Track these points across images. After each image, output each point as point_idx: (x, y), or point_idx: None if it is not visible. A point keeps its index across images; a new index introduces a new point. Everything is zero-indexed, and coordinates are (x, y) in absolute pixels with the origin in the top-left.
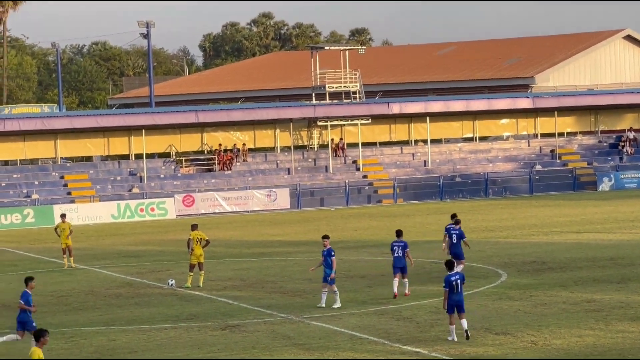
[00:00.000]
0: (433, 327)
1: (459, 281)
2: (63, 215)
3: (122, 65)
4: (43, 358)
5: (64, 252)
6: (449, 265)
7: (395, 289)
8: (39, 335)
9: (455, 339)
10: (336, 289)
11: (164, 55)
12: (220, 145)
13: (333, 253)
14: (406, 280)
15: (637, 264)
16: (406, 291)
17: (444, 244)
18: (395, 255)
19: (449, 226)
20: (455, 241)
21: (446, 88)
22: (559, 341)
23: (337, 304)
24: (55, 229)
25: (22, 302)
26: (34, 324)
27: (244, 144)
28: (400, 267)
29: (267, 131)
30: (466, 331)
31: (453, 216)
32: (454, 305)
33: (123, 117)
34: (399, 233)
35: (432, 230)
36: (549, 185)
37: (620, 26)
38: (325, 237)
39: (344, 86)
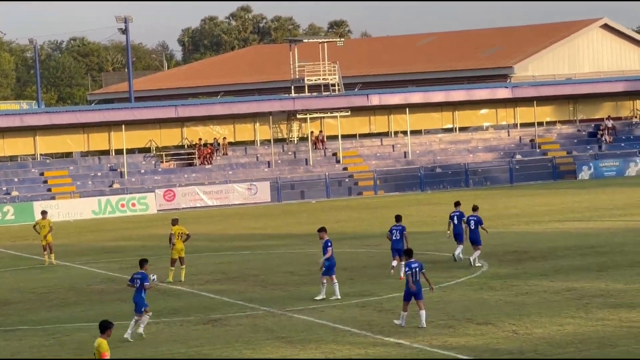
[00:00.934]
0: (414, 318)
1: (417, 269)
2: (44, 212)
3: (101, 61)
4: (108, 349)
5: (45, 249)
6: (408, 253)
7: (392, 270)
8: (105, 327)
9: (403, 324)
10: (324, 281)
11: (142, 50)
12: (200, 139)
13: (330, 244)
14: (403, 262)
15: (617, 251)
16: (401, 274)
17: (448, 232)
18: (394, 238)
19: (453, 214)
20: (473, 227)
21: (426, 79)
22: (540, 330)
23: (320, 296)
24: (34, 225)
25: (147, 283)
26: (143, 308)
27: (224, 138)
28: (397, 250)
29: (247, 125)
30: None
31: (457, 204)
32: (411, 293)
33: (102, 112)
34: (398, 218)
35: (414, 222)
36: (529, 175)
37: (597, 15)
38: (321, 229)
39: (323, 79)
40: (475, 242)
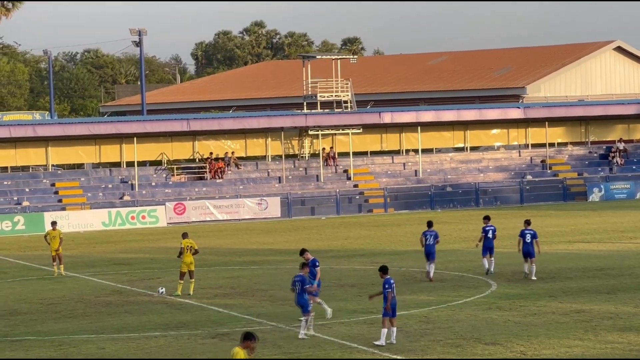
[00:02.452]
0: (423, 336)
1: (393, 286)
2: (54, 223)
3: (114, 73)
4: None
5: (54, 260)
6: (383, 270)
7: (430, 275)
8: (246, 338)
9: (384, 344)
10: (319, 299)
11: (156, 64)
12: (211, 153)
13: (317, 263)
14: (433, 265)
15: (627, 274)
16: (431, 275)
17: (478, 243)
18: (427, 242)
19: (488, 227)
20: (529, 241)
21: (437, 98)
22: (548, 351)
23: (328, 314)
24: (45, 236)
25: (307, 286)
26: (309, 308)
27: (232, 152)
28: (431, 253)
29: (259, 140)
30: (392, 342)
31: (488, 218)
32: (393, 309)
33: (115, 124)
34: (430, 224)
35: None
36: (540, 196)
37: (610, 38)
38: (304, 251)
39: (336, 95)
40: (531, 255)
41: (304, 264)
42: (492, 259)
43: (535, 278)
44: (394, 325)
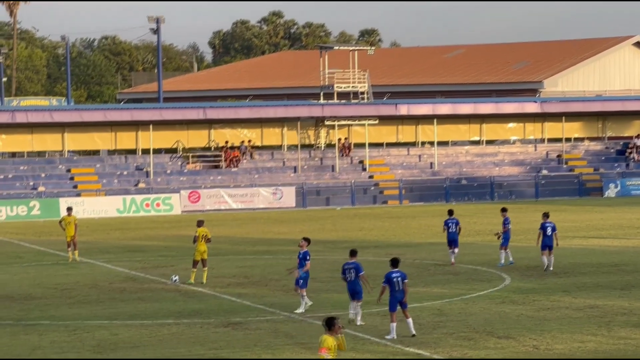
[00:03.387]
0: (435, 329)
1: (399, 279)
2: (69, 209)
3: (132, 60)
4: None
5: (69, 246)
6: (393, 262)
7: (452, 260)
8: (329, 324)
9: (395, 337)
10: (304, 293)
11: (173, 51)
12: (227, 142)
13: (308, 257)
14: (457, 250)
15: None
16: (452, 260)
17: (538, 240)
18: (450, 230)
19: (547, 224)
20: (549, 234)
21: (454, 91)
22: (560, 346)
23: (301, 309)
24: (60, 222)
25: (362, 273)
26: (361, 295)
27: (249, 141)
28: (454, 240)
29: (275, 129)
30: (413, 334)
31: (546, 215)
32: (396, 302)
33: (131, 111)
34: (450, 212)
35: (437, 233)
36: (555, 190)
37: (629, 33)
38: (305, 239)
39: (352, 86)
40: (550, 247)
41: (353, 252)
42: (552, 255)
43: (552, 269)
44: (407, 316)
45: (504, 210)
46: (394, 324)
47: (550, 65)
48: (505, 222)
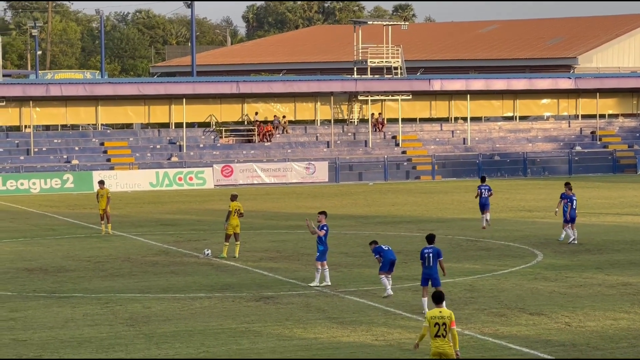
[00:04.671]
0: (467, 304)
1: (431, 255)
2: (101, 182)
3: (165, 34)
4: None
5: (102, 218)
6: (428, 238)
7: (484, 223)
8: (442, 298)
9: (427, 311)
10: (319, 267)
11: (207, 25)
12: (256, 113)
13: (326, 228)
14: (488, 214)
15: None
16: (484, 224)
17: (557, 209)
18: (483, 196)
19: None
20: (575, 207)
21: (488, 66)
22: (593, 323)
23: (315, 282)
24: (97, 195)
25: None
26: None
27: (283, 117)
28: (486, 205)
29: (308, 104)
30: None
31: (567, 184)
32: (427, 278)
33: (164, 85)
34: (483, 179)
35: (469, 208)
36: (589, 167)
37: None
38: (322, 212)
39: (386, 61)
40: (574, 219)
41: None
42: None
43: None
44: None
45: (568, 186)
46: (425, 299)
47: (584, 41)
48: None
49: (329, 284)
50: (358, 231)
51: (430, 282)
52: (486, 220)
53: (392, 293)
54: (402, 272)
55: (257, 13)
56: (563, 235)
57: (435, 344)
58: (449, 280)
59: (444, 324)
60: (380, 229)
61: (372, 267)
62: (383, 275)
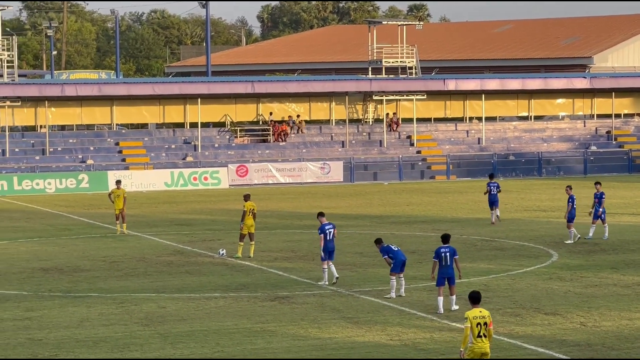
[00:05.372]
0: (482, 305)
1: (448, 254)
2: (118, 182)
3: (180, 34)
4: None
5: (117, 218)
6: (443, 238)
7: (493, 219)
8: (479, 298)
9: (442, 311)
10: (325, 266)
11: (222, 25)
12: (271, 113)
13: (326, 227)
14: (497, 210)
15: None
16: (493, 220)
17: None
18: (492, 192)
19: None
20: (574, 206)
21: (502, 66)
22: (608, 323)
23: (324, 281)
24: (109, 194)
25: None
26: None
27: (298, 116)
28: (494, 202)
29: (323, 104)
30: (453, 309)
31: (597, 183)
32: (444, 277)
33: (179, 85)
34: (492, 175)
35: (484, 208)
36: (604, 167)
37: None
38: (320, 214)
39: (401, 61)
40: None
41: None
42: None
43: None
44: (453, 293)
45: (598, 184)
46: (441, 298)
47: (600, 41)
48: (601, 196)
49: (338, 276)
50: (373, 231)
51: (447, 282)
52: (496, 216)
53: (394, 296)
54: (417, 271)
55: (271, 13)
56: (591, 233)
57: (478, 344)
58: (464, 281)
59: (485, 323)
60: (395, 228)
61: (386, 267)
62: (394, 277)
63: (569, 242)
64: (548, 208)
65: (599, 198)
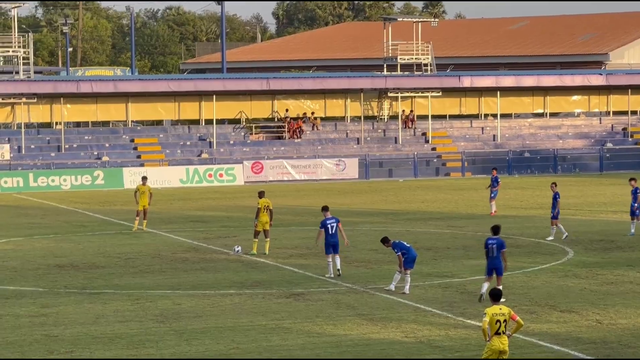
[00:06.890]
0: None
1: (494, 246)
2: (144, 178)
3: (195, 31)
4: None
5: (137, 215)
6: (493, 229)
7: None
8: (500, 296)
9: (483, 292)
10: (329, 260)
11: (237, 22)
12: (287, 110)
13: (328, 223)
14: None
15: None
16: (493, 210)
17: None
18: (494, 188)
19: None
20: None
21: (518, 63)
22: (624, 321)
23: (329, 274)
24: (135, 192)
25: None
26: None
27: (312, 113)
28: (494, 197)
29: (338, 100)
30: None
31: (632, 179)
32: (491, 268)
33: (194, 82)
34: (495, 170)
35: (499, 205)
36: (620, 164)
37: None
38: (325, 208)
39: (416, 58)
40: (635, 213)
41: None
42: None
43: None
44: (499, 284)
45: (633, 180)
46: (486, 284)
47: (616, 38)
48: (636, 192)
49: (340, 268)
50: (388, 228)
51: (495, 273)
52: (495, 209)
53: (394, 289)
54: (432, 268)
55: (287, 10)
56: (633, 229)
57: (497, 342)
58: (479, 277)
59: (505, 320)
60: (410, 225)
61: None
62: (408, 273)
63: (549, 238)
64: (563, 205)
65: (634, 194)
